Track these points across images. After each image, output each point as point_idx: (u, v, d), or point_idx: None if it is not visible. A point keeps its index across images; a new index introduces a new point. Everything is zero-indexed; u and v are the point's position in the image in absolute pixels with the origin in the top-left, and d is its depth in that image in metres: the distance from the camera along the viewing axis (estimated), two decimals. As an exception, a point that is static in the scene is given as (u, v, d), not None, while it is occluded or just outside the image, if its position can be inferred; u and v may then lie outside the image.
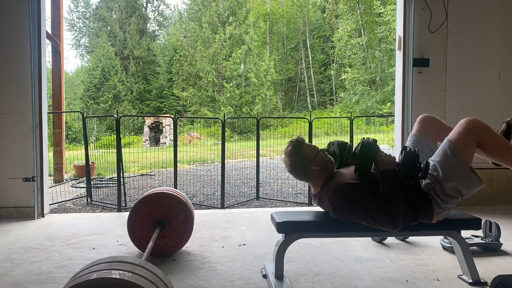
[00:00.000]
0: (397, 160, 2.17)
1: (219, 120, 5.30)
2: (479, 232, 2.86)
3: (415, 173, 2.07)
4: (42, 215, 4.07)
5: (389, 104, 14.43)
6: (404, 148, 2.15)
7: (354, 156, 2.20)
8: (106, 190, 5.79)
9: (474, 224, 2.30)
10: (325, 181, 2.23)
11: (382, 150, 2.30)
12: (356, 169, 2.16)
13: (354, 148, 2.27)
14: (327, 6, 30.17)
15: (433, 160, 2.20)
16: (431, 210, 2.13)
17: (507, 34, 4.30)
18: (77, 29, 35.02)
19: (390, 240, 3.11)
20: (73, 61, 64.40)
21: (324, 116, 17.27)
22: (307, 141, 2.34)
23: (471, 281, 2.28)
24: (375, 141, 2.21)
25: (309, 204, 4.86)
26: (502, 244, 2.86)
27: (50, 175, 6.25)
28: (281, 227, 2.24)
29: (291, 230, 2.27)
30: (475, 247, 2.85)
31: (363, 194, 2.08)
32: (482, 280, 2.28)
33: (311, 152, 2.26)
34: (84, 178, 6.19)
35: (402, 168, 2.09)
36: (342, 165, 2.40)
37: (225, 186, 5.34)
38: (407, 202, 2.09)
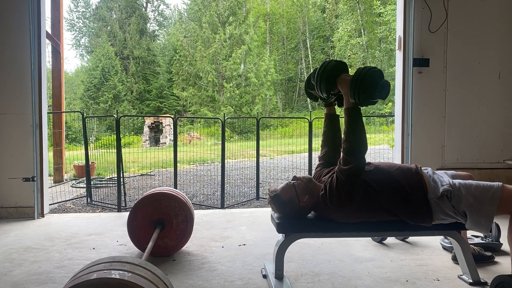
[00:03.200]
0: None
1: (219, 120, 5.30)
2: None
3: (372, 88, 1.90)
4: (42, 215, 4.07)
5: (390, 104, 14.43)
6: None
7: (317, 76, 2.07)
8: (106, 190, 5.79)
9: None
10: (317, 199, 2.22)
11: None
12: (317, 87, 2.06)
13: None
14: (327, 6, 30.17)
15: (472, 181, 2.14)
16: (429, 216, 2.10)
17: (507, 34, 4.30)
18: (77, 29, 35.04)
19: (390, 240, 3.12)
20: (73, 61, 64.34)
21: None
22: (277, 186, 2.29)
23: (471, 281, 2.28)
24: (342, 63, 2.06)
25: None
26: (502, 244, 2.86)
27: (50, 175, 6.25)
28: (281, 227, 2.24)
29: (291, 230, 2.27)
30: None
31: (331, 184, 2.06)
32: (482, 280, 2.28)
33: (290, 192, 2.21)
34: (84, 178, 6.19)
35: (353, 82, 1.92)
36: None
37: (225, 186, 5.34)
38: (407, 206, 2.08)
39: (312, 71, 2.41)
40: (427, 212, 2.09)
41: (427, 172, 2.21)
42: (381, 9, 22.27)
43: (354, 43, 24.28)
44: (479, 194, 2.04)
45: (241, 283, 2.35)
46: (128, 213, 2.88)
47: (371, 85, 1.93)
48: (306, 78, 2.46)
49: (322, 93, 2.14)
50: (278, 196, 2.23)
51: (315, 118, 5.65)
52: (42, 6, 4.04)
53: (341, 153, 2.05)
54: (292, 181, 2.24)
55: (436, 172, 2.27)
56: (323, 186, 2.16)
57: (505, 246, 2.88)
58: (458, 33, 4.24)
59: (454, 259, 2.61)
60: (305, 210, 2.26)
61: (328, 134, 2.53)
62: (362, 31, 24.90)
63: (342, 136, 2.07)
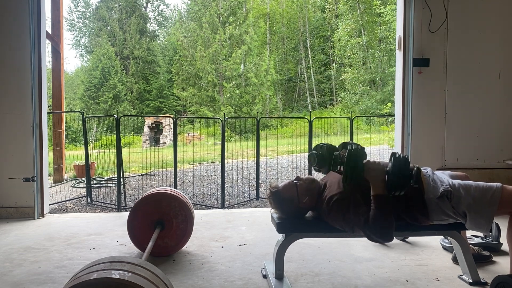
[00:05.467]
0: (387, 168, 2.03)
1: (219, 120, 5.30)
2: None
3: (406, 181, 1.96)
4: (42, 215, 4.06)
5: (389, 104, 14.44)
6: (393, 154, 2.04)
7: (342, 165, 2.06)
8: (106, 190, 5.79)
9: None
10: (317, 199, 2.23)
11: (371, 159, 2.18)
12: (344, 180, 2.04)
13: (340, 156, 2.10)
14: (327, 6, 30.17)
15: (471, 182, 2.14)
16: (425, 216, 2.10)
17: (507, 34, 4.30)
18: (77, 29, 35.03)
19: (390, 240, 3.11)
20: (73, 61, 64.43)
21: (324, 116, 17.26)
22: (279, 183, 2.29)
23: (471, 281, 2.28)
24: (362, 148, 2.09)
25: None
26: (502, 244, 2.86)
27: (50, 175, 6.25)
28: (281, 227, 2.24)
29: (291, 230, 2.27)
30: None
31: (348, 207, 2.04)
32: (482, 280, 2.28)
33: (291, 191, 2.21)
34: (84, 178, 6.19)
35: (392, 176, 1.97)
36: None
37: (225, 186, 5.34)
38: (403, 208, 2.08)
39: (318, 150, 2.45)
40: (424, 213, 2.09)
41: (427, 172, 2.21)
42: (381, 9, 22.27)
43: (354, 43, 24.27)
44: (479, 195, 2.04)
45: (241, 283, 2.35)
46: (128, 213, 2.88)
47: (407, 179, 1.96)
48: (314, 156, 2.44)
49: (350, 181, 2.06)
50: (278, 193, 2.23)
51: (315, 118, 5.66)
52: (42, 6, 4.04)
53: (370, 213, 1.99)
54: (295, 181, 2.25)
55: (435, 172, 2.27)
56: (327, 199, 2.13)
57: (505, 246, 2.88)
58: (458, 33, 4.24)
59: (454, 260, 2.61)
60: (303, 210, 2.26)
61: None
62: (362, 31, 24.89)
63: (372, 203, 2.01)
